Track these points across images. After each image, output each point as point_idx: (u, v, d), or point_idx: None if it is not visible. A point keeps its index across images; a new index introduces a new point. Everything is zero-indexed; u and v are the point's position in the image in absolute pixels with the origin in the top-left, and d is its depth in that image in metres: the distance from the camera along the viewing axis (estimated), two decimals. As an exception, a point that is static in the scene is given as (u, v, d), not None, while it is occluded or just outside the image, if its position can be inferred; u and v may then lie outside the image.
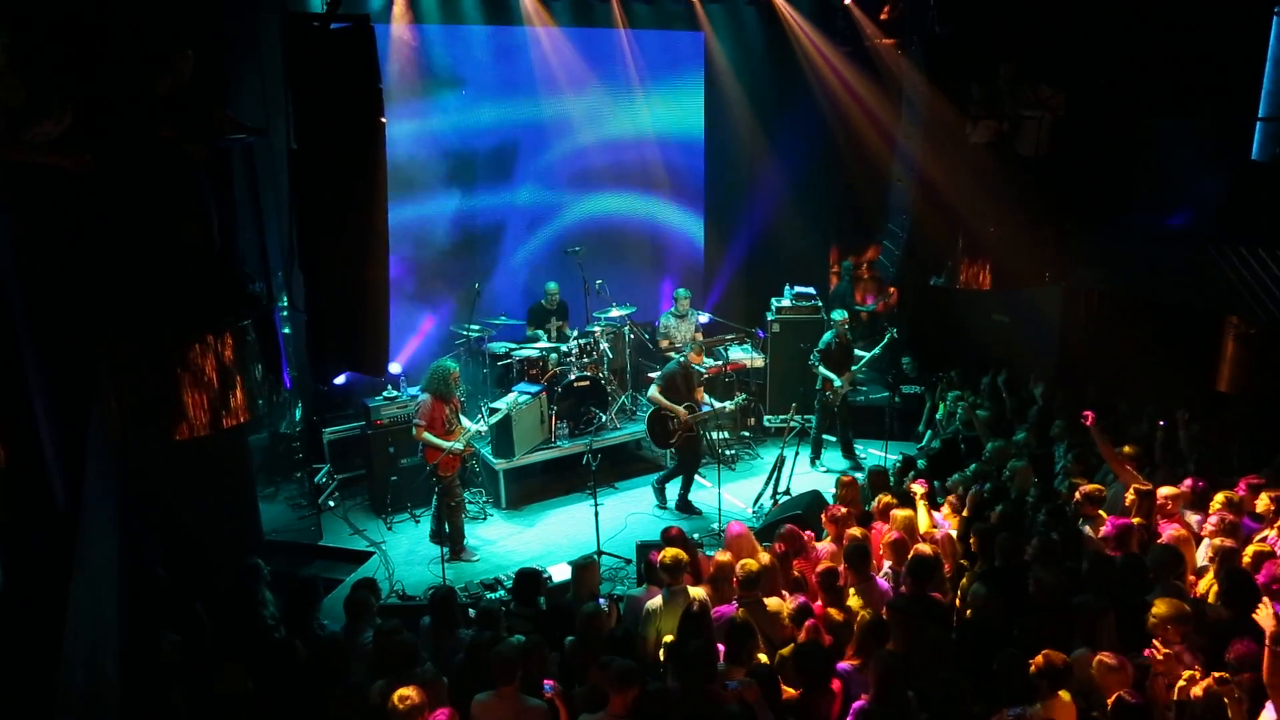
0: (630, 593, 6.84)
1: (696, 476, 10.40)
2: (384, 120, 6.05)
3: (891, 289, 13.98)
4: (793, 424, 10.32)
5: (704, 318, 12.36)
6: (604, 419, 10.87)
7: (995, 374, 11.22)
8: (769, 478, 10.04)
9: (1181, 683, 4.88)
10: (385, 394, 10.07)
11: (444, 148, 11.44)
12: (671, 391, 10.01)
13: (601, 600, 6.38)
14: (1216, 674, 4.83)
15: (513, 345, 11.08)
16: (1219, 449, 8.92)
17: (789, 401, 10.61)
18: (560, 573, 8.15)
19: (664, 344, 11.79)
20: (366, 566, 8.99)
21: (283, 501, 10.19)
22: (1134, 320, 11.55)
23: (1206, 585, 6.32)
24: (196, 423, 6.15)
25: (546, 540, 9.57)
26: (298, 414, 10.45)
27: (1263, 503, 7.21)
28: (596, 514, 8.76)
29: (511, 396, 9.77)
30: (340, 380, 9.95)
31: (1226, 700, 4.71)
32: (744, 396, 10.58)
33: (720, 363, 11.69)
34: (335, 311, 6.40)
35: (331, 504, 10.25)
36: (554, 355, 10.96)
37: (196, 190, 6.05)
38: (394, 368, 10.31)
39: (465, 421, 9.06)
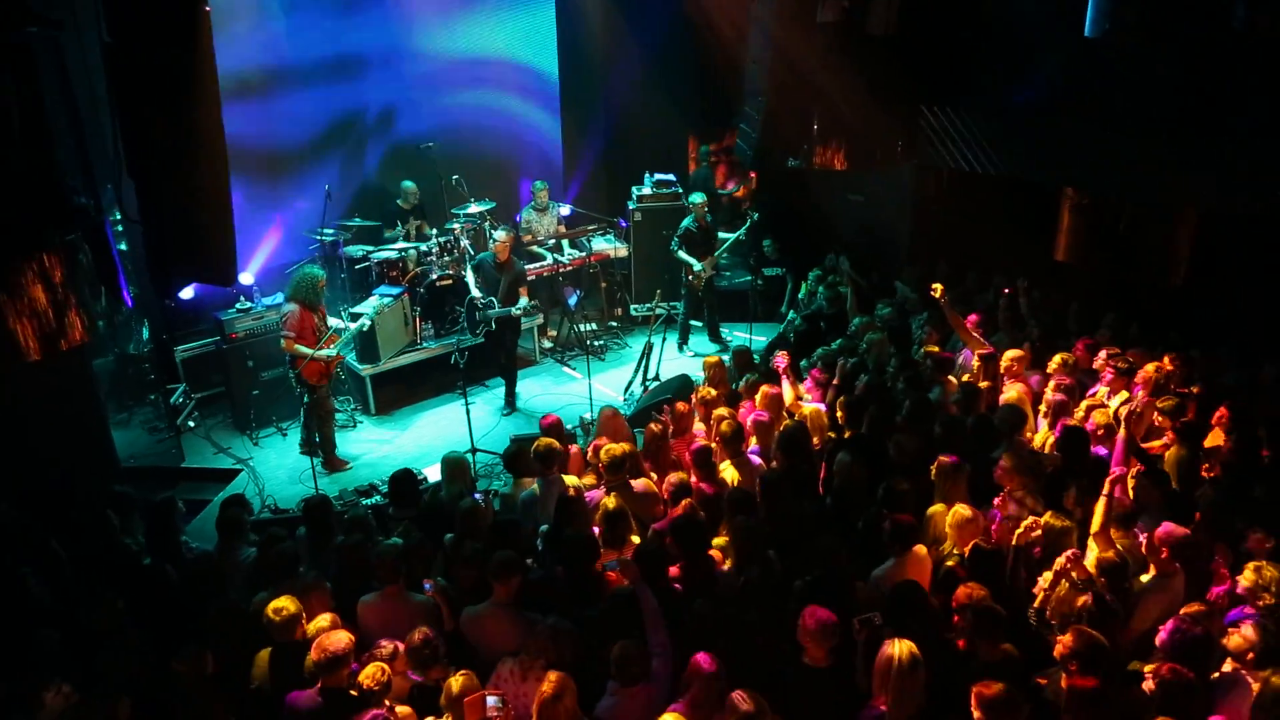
0: (505, 486, 6.89)
1: (568, 369, 10.43)
2: (208, 8, 5.60)
3: (751, 172, 14.10)
4: (658, 311, 10.43)
5: (565, 210, 12.22)
6: (470, 317, 10.70)
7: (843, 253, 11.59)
8: (638, 365, 10.18)
9: (1022, 528, 5.31)
10: (239, 306, 9.58)
11: (287, 49, 10.78)
12: (487, 285, 9.96)
13: (478, 495, 6.41)
14: (1053, 514, 5.28)
15: (370, 248, 10.70)
16: (1057, 314, 9.55)
17: (654, 289, 10.71)
18: (436, 473, 8.12)
19: (526, 239, 11.64)
20: (234, 485, 8.73)
21: (138, 426, 9.73)
22: (980, 196, 12.07)
23: (1043, 438, 6.85)
24: (27, 349, 5.74)
25: (420, 442, 9.50)
26: (145, 333, 9.90)
27: (1096, 360, 7.81)
28: (468, 412, 8.72)
29: (373, 300, 9.49)
30: (188, 294, 9.46)
31: (1062, 539, 5.16)
32: (532, 302, 10.40)
33: (584, 254, 11.63)
34: (173, 220, 6.02)
35: (191, 424, 9.83)
36: (414, 255, 10.65)
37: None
38: (246, 278, 9.82)
39: (335, 322, 8.74)
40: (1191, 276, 10.58)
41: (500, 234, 9.99)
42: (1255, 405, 7.17)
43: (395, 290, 9.90)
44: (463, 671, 4.37)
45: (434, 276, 10.43)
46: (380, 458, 9.23)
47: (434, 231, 11.14)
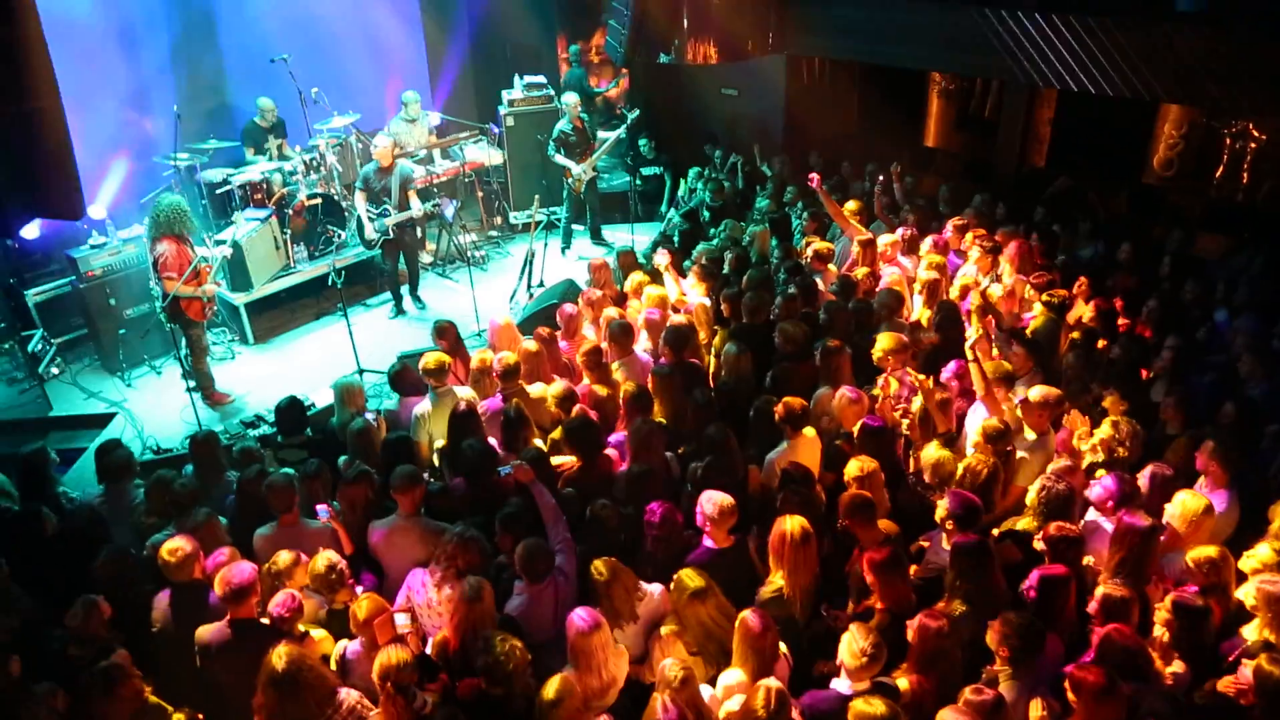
0: (394, 405, 6.79)
1: (450, 281, 10.23)
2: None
3: (623, 70, 13.86)
4: (538, 217, 10.28)
5: (436, 118, 11.80)
6: (344, 235, 10.33)
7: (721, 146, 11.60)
8: (522, 272, 10.06)
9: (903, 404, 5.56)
10: (92, 242, 8.94)
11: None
12: (372, 194, 9.67)
13: (369, 415, 6.31)
14: (933, 387, 5.54)
15: (230, 170, 10.13)
16: (929, 198, 9.83)
17: (533, 195, 10.52)
18: (324, 398, 7.95)
19: (396, 150, 11.18)
20: (110, 429, 8.33)
21: (-5, 379, 9.14)
22: (851, 84, 12.21)
23: (919, 317, 7.13)
24: None
25: (304, 369, 9.21)
26: (-10, 278, 9.22)
27: (965, 241, 8.10)
28: (351, 333, 8.49)
29: (238, 225, 9.03)
30: (32, 232, 8.85)
31: (939, 410, 5.43)
32: (432, 202, 10.13)
33: (457, 163, 11.30)
34: (4, 151, 5.54)
35: (55, 371, 9.25)
36: (278, 176, 10.15)
37: None
38: (96, 211, 9.20)
39: (204, 251, 8.24)
40: (1052, 155, 11.05)
41: (381, 140, 9.68)
42: (1112, 276, 7.61)
43: (262, 213, 9.45)
44: (367, 595, 4.37)
45: (302, 196, 9.98)
46: (264, 387, 8.93)
47: (297, 149, 10.61)
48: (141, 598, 4.71)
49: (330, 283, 8.65)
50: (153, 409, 8.68)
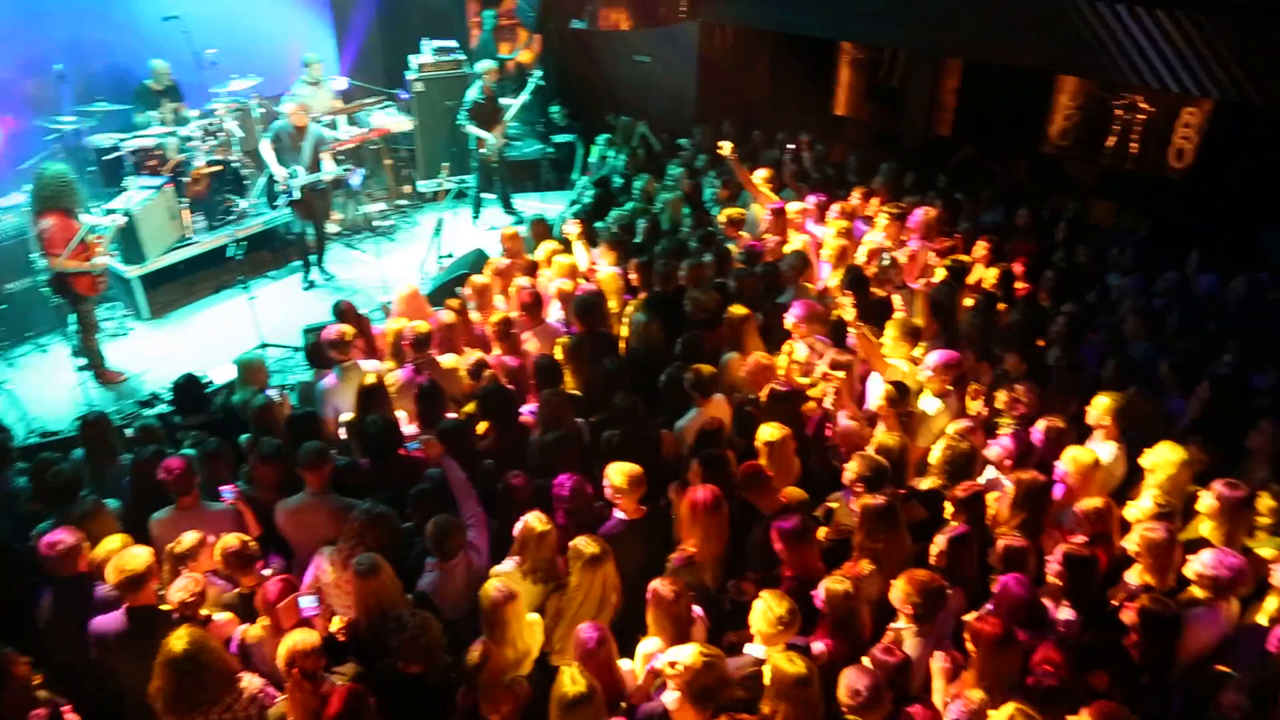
0: (301, 379, 6.62)
1: (358, 252, 9.98)
2: None
3: (535, 36, 13.63)
4: (448, 186, 10.07)
5: (342, 83, 11.42)
6: (244, 204, 9.96)
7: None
8: (431, 242, 9.87)
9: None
10: (-36, 212, 8.45)
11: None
12: (282, 152, 9.37)
13: (272, 391, 6.12)
14: (838, 353, 5.63)
15: (121, 135, 9.62)
16: (837, 166, 9.96)
17: (441, 163, 10.30)
18: (225, 374, 7.67)
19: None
20: (-9, 412, 7.90)
21: None
22: (762, 53, 12.25)
23: (826, 283, 7.23)
24: None
25: (204, 344, 8.86)
26: None
27: (872, 208, 8.23)
28: (252, 306, 8.20)
29: (130, 194, 8.60)
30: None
31: (844, 375, 5.53)
32: (345, 166, 9.90)
33: (364, 129, 10.96)
34: None
35: (-73, 351, 8.73)
36: (173, 141, 9.69)
37: None
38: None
39: (92, 220, 7.78)
40: (956, 125, 11.31)
41: (289, 101, 9.38)
42: (1012, 242, 7.85)
43: (156, 181, 9.02)
44: (279, 576, 4.25)
45: (199, 163, 9.57)
46: (160, 364, 8.56)
47: (192, 113, 10.15)
48: (23, 592, 4.48)
49: (231, 254, 8.34)
50: (39, 390, 8.24)
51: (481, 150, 10.70)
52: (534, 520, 4.26)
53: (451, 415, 5.53)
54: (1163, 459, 4.66)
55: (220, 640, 4.06)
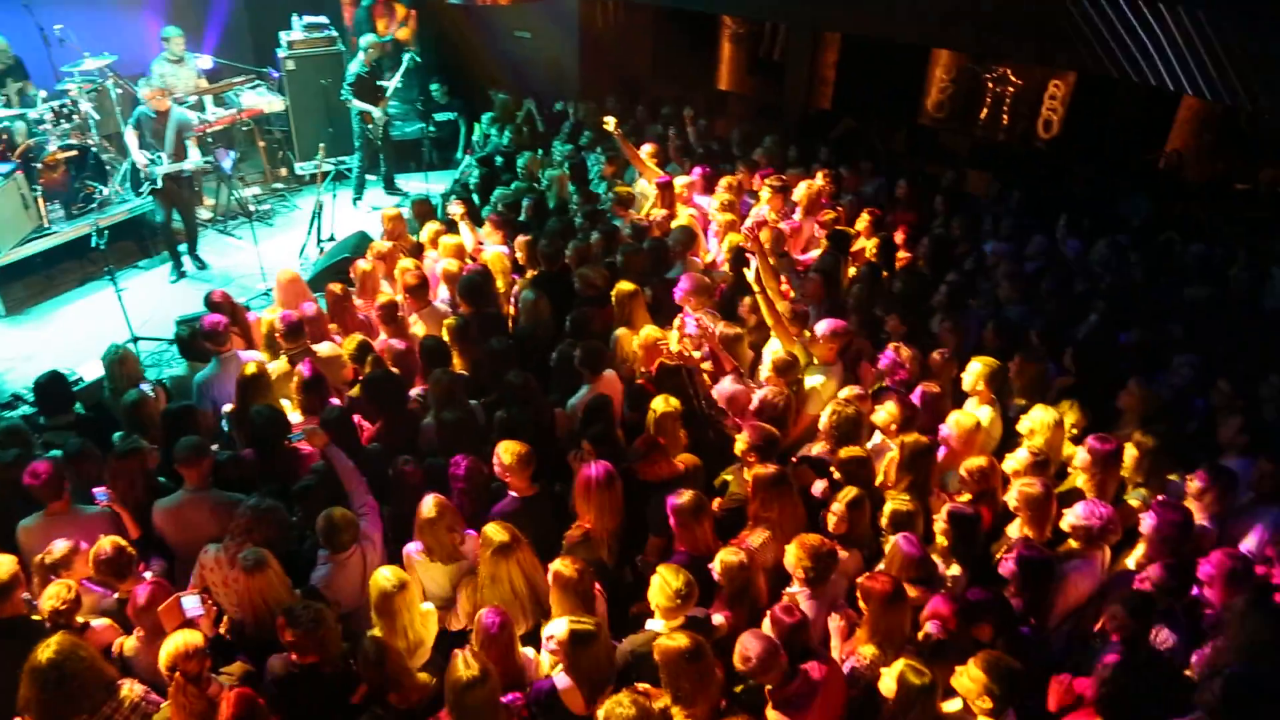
0: (177, 373, 6.32)
1: (234, 239, 9.57)
2: None
3: (412, 12, 13.26)
4: (326, 167, 9.74)
5: (206, 61, 10.87)
6: (106, 191, 9.42)
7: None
8: (310, 226, 9.53)
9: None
10: None
11: None
12: (144, 139, 8.91)
13: (145, 386, 5.81)
14: (727, 324, 5.68)
15: (-42, 119, 8.97)
16: (722, 140, 10.03)
17: (318, 144, 9.93)
18: (94, 371, 7.25)
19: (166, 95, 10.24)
20: None
21: None
22: (645, 27, 12.21)
23: (714, 257, 7.30)
24: None
25: (69, 340, 8.37)
26: None
27: (756, 182, 8.31)
28: (120, 298, 7.78)
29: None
30: None
31: (727, 347, 5.59)
32: (206, 158, 9.52)
33: (233, 110, 10.47)
34: None
35: None
36: (21, 125, 9.07)
37: None
38: None
39: None
40: (837, 98, 11.53)
41: (147, 85, 8.89)
42: (892, 212, 8.05)
43: (4, 167, 8.43)
44: (154, 580, 4.06)
45: (52, 148, 8.97)
46: (21, 364, 8.04)
47: (40, 94, 9.51)
48: None
49: (94, 245, 7.88)
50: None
51: (368, 126, 10.37)
52: (425, 507, 4.17)
53: (336, 403, 5.37)
54: (1039, 421, 4.87)
55: (99, 648, 3.86)
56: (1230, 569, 3.99)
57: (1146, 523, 4.26)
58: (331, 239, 9.48)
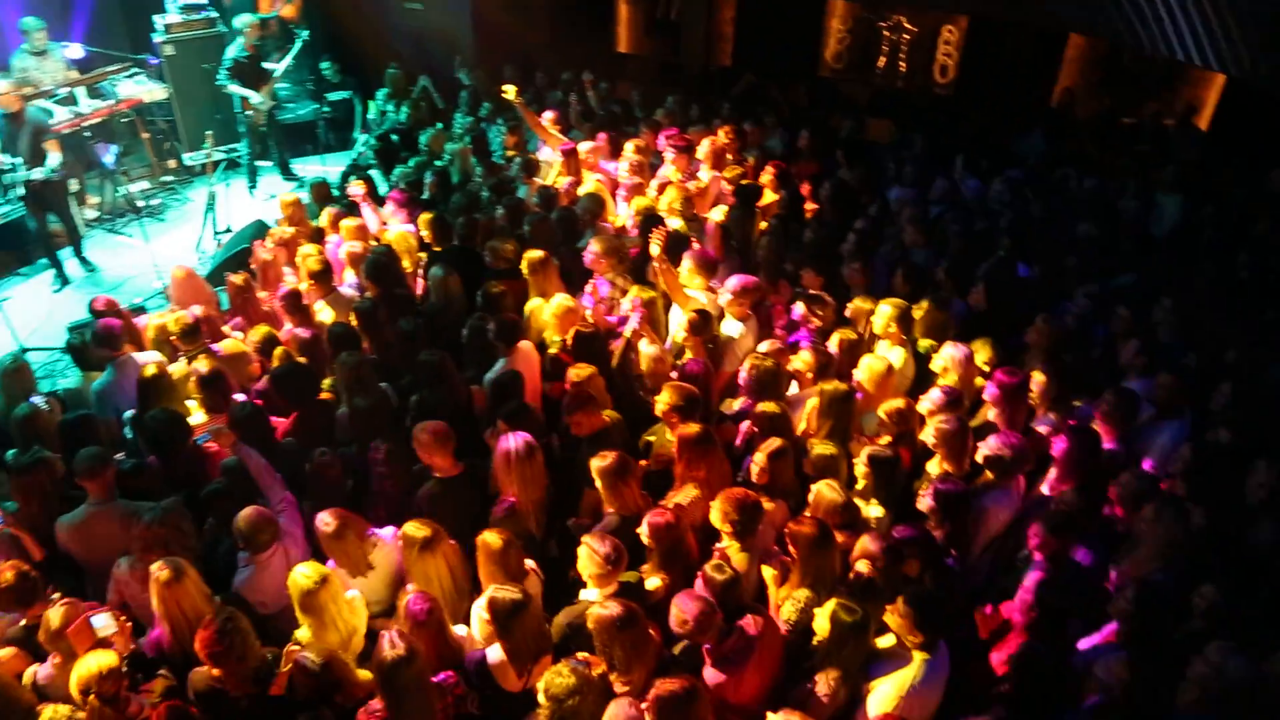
0: (71, 383, 6.03)
1: (123, 237, 9.15)
2: None
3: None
4: (216, 156, 9.35)
5: (77, 51, 10.26)
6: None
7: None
8: (205, 218, 9.16)
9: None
10: None
11: None
12: (6, 145, 8.37)
13: (37, 399, 5.52)
14: (640, 288, 5.65)
15: None
16: (623, 103, 9.92)
17: (206, 132, 9.52)
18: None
19: (27, 91, 9.63)
20: None
21: None
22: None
23: (624, 221, 7.24)
24: None
25: (-50, 357, 7.90)
26: None
27: (660, 143, 8.25)
28: (2, 308, 7.38)
29: None
30: None
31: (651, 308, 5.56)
32: (55, 167, 8.70)
33: (110, 101, 9.93)
34: None
35: None
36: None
37: None
38: None
39: None
40: (736, 54, 11.53)
41: (3, 79, 8.39)
42: (796, 164, 8.09)
43: None
44: (63, 601, 3.86)
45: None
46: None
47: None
48: None
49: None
50: None
51: (247, 112, 9.98)
52: (322, 522, 4.04)
53: (241, 398, 5.19)
54: (950, 358, 4.98)
55: (10, 676, 3.68)
56: (1136, 488, 4.17)
57: (1057, 447, 4.40)
58: (228, 230, 9.13)
